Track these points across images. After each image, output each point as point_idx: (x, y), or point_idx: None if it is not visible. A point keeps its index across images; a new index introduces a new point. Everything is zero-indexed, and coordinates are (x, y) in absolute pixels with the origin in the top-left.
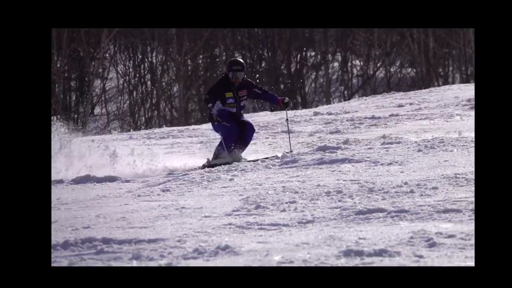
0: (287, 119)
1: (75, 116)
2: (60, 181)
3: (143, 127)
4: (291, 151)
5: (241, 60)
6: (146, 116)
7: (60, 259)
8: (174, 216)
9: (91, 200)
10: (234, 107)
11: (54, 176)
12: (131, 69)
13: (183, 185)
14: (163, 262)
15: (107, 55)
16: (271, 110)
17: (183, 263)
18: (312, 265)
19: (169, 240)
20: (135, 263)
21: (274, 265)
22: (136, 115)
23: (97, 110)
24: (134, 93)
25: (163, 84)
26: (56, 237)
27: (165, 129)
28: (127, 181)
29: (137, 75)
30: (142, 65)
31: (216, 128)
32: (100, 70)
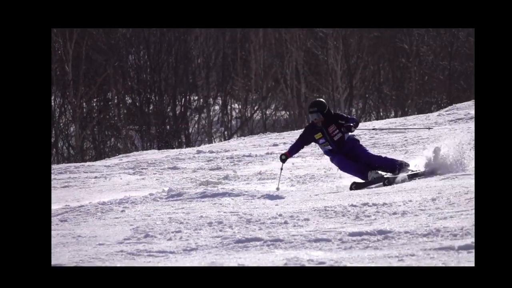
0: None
1: None
2: None
3: None
4: None
5: (318, 100)
6: None
7: None
8: (71, 244)
9: None
10: (328, 145)
11: None
12: None
13: (79, 216)
14: None
15: None
16: (158, 148)
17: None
18: None
19: (68, 265)
20: None
21: None
22: None
23: None
24: None
25: (61, 124)
26: None
27: (63, 165)
28: None
29: None
30: None
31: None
32: None
